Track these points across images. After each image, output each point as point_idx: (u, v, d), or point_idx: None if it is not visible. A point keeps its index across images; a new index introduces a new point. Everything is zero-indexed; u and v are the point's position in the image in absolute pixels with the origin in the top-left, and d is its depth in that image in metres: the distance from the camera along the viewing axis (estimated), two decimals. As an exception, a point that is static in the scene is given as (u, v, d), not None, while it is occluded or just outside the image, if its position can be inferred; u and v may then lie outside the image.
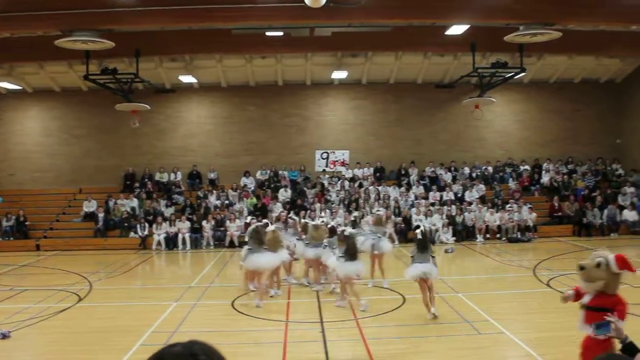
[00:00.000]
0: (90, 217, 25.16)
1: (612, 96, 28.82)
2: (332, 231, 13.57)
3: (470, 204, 25.25)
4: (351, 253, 11.87)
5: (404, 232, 23.70)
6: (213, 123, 28.71)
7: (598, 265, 6.02)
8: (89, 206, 25.59)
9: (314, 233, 14.03)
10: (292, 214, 17.09)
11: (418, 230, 11.58)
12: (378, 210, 23.38)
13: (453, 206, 25.05)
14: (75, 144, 27.97)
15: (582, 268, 6.11)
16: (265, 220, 14.51)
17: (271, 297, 13.37)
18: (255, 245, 12.76)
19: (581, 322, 6.07)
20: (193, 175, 27.86)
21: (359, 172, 28.24)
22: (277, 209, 24.99)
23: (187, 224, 23.90)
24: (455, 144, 28.64)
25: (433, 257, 11.37)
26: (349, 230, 12.28)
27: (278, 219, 15.80)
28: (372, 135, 28.68)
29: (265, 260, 12.75)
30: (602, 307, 5.94)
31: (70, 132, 28.08)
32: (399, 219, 24.11)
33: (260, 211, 24.38)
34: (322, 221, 14.90)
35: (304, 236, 14.84)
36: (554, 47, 20.63)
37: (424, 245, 11.35)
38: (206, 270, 18.15)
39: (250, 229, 13.12)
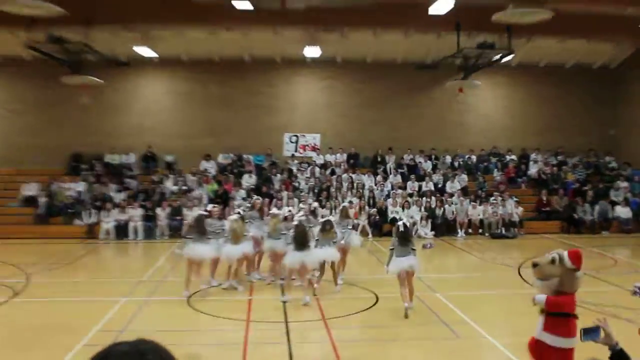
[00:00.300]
0: (30, 201, 24.73)
1: (606, 83, 29.18)
2: (287, 221, 13.96)
3: (451, 195, 25.44)
4: (299, 242, 12.49)
5: (379, 225, 23.79)
6: (172, 100, 28.43)
7: (552, 261, 6.21)
8: (29, 189, 25.14)
9: (270, 223, 14.27)
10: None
11: (400, 222, 12.13)
12: (350, 201, 23.61)
13: (433, 197, 25.20)
14: (12, 120, 27.42)
15: (535, 265, 6.32)
16: (212, 207, 14.36)
17: (224, 288, 13.75)
18: (197, 235, 13.16)
19: (540, 329, 6.25)
20: (148, 157, 27.62)
21: (331, 158, 28.27)
22: (240, 196, 24.87)
23: (140, 211, 23.70)
24: (437, 130, 28.78)
25: (414, 249, 11.93)
26: (297, 217, 13.05)
27: (253, 206, 15.70)
28: (346, 118, 28.71)
29: (204, 250, 13.15)
30: (562, 312, 6.17)
31: (6, 106, 27.51)
32: (374, 210, 24.18)
33: (222, 198, 24.23)
34: (289, 211, 14.87)
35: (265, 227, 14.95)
36: (544, 28, 20.78)
37: (406, 238, 11.83)
38: (160, 262, 18.02)
39: (193, 217, 13.43)
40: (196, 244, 13.12)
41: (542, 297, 6.22)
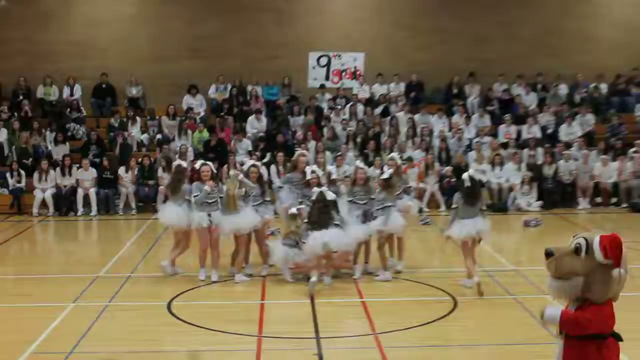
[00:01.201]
0: None
1: None
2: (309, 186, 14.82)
3: (568, 146, 25.21)
4: (314, 220, 13.74)
5: (455, 190, 23.55)
6: (135, 3, 28.30)
7: (576, 250, 5.99)
8: None
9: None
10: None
11: (466, 175, 13.66)
12: (407, 157, 23.38)
13: (539, 149, 24.96)
14: None
15: (549, 254, 6.15)
16: (202, 165, 14.61)
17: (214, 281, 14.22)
18: (174, 196, 14.60)
19: (558, 358, 6.16)
20: (101, 90, 27.62)
21: (381, 90, 28.05)
22: (243, 148, 24.73)
23: (92, 172, 23.76)
24: (545, 45, 28.43)
25: (483, 210, 13.70)
26: (316, 189, 14.09)
27: (295, 165, 15.93)
28: (404, 30, 28.44)
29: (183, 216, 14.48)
30: (589, 334, 5.97)
31: None
32: (448, 170, 24.00)
33: (215, 152, 24.16)
34: (312, 172, 15.08)
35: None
36: None
37: (474, 194, 13.46)
38: (124, 249, 18.10)
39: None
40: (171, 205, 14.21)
41: (554, 312, 6.06)
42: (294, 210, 14.29)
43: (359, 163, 15.58)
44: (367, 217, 14.38)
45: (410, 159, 23.23)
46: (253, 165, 15.04)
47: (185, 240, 14.88)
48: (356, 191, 14.65)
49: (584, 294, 5.99)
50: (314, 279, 13.42)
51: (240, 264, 14.65)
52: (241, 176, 14.52)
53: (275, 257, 14.20)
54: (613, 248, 5.89)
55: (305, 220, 14.00)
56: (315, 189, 14.07)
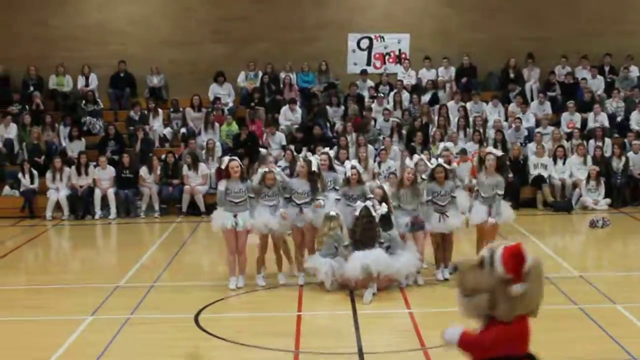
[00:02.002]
0: None
1: None
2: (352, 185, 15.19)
3: None
4: (357, 238, 13.84)
5: (514, 187, 23.54)
6: (156, -17, 28.54)
7: (481, 263, 5.88)
8: None
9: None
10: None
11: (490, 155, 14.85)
12: (462, 151, 23.32)
13: (607, 140, 24.85)
14: None
15: (455, 269, 6.04)
16: (230, 161, 14.75)
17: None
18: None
19: None
20: (120, 80, 27.83)
21: (429, 75, 28.06)
22: (277, 142, 24.81)
23: (111, 171, 23.93)
24: (614, 21, 28.30)
25: (501, 195, 14.70)
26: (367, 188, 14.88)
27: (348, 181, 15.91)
28: (453, 7, 28.56)
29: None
30: (494, 355, 5.88)
31: None
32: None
33: (246, 147, 24.23)
34: (353, 167, 15.15)
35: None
36: None
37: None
38: (147, 255, 18.23)
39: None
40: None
41: (453, 333, 5.94)
42: (332, 212, 14.32)
43: (409, 162, 15.63)
44: (415, 224, 14.44)
45: (463, 152, 23.16)
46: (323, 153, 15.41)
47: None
48: (402, 194, 14.70)
49: (491, 312, 5.89)
50: (366, 293, 13.52)
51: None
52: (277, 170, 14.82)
53: (321, 274, 14.21)
54: (513, 261, 5.78)
55: (347, 240, 14.11)
56: (359, 202, 14.07)
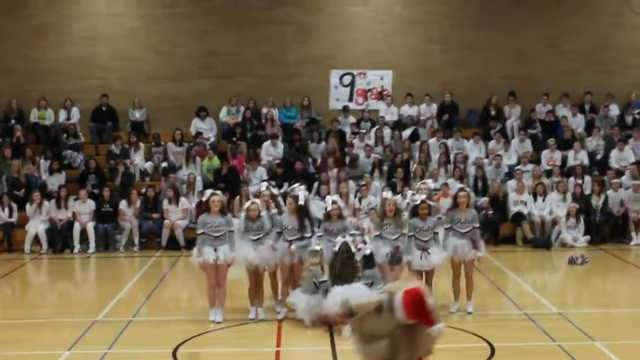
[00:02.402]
0: None
1: None
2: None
3: (620, 174, 25.13)
4: (336, 273, 13.85)
5: (493, 225, 23.57)
6: (140, 17, 28.46)
7: (379, 308, 5.77)
8: None
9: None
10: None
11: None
12: (441, 186, 23.35)
13: (587, 178, 24.92)
14: None
15: (349, 313, 5.93)
16: (212, 194, 14.84)
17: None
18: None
19: None
20: (101, 113, 27.77)
21: (410, 112, 28.10)
22: (258, 177, 24.77)
23: (91, 204, 23.85)
24: (594, 60, 28.42)
25: (478, 228, 14.89)
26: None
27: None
28: (436, 44, 28.54)
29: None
30: None
31: None
32: (484, 201, 23.99)
33: (227, 182, 24.21)
34: (334, 202, 15.15)
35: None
36: None
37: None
38: (125, 290, 18.18)
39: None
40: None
41: None
42: (316, 247, 14.31)
43: (386, 193, 15.59)
44: (395, 256, 14.44)
45: (446, 186, 23.13)
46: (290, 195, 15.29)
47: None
48: (385, 224, 14.73)
49: (392, 357, 5.77)
50: (347, 332, 13.34)
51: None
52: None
53: (299, 310, 14.18)
54: (414, 306, 5.66)
55: (324, 276, 14.10)
56: (339, 238, 14.11)
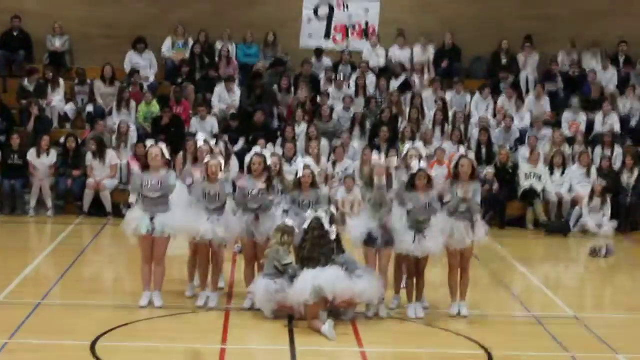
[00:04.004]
0: None
1: None
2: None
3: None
4: (305, 255, 13.87)
5: (500, 202, 23.61)
6: None
7: None
8: None
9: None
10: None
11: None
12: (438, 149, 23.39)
13: (618, 149, 25.04)
14: None
15: None
16: (150, 146, 14.88)
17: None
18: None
19: None
20: (12, 40, 27.70)
21: (401, 56, 28.15)
22: (207, 130, 24.70)
23: (-5, 156, 23.80)
24: (632, 0, 28.50)
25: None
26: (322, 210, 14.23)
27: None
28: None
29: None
30: None
31: None
32: (488, 171, 24.02)
33: (168, 134, 24.15)
34: (306, 166, 15.12)
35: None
36: None
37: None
38: (35, 265, 18.10)
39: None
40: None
41: None
42: (288, 222, 14.25)
43: (376, 156, 15.45)
44: (371, 237, 14.42)
45: (441, 151, 23.17)
46: (257, 155, 15.08)
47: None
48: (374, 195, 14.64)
49: None
50: (325, 327, 13.32)
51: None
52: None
53: (257, 297, 14.18)
54: None
55: (289, 260, 14.07)
56: (310, 212, 14.12)
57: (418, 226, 14.39)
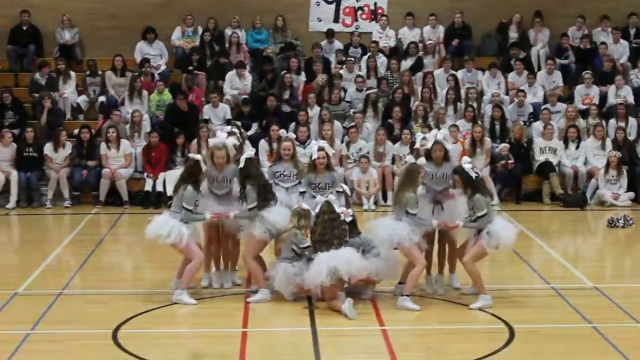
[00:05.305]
0: None
1: None
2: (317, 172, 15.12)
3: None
4: (318, 238, 13.89)
5: (514, 177, 23.60)
6: None
7: None
8: None
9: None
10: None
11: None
12: (450, 126, 23.38)
13: (632, 120, 25.00)
14: None
15: None
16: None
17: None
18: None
19: None
20: (22, 34, 27.66)
21: (410, 36, 28.13)
22: (220, 116, 24.71)
23: (11, 149, 23.79)
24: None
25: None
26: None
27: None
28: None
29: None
30: None
31: None
32: (503, 147, 24.02)
33: (180, 120, 24.12)
34: (321, 148, 15.08)
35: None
36: None
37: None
38: (54, 256, 18.08)
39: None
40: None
41: None
42: (304, 206, 14.22)
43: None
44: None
45: (455, 128, 23.15)
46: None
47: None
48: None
49: None
50: (345, 305, 13.39)
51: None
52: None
53: (276, 280, 14.18)
54: None
55: (308, 243, 14.02)
56: (320, 197, 14.12)
57: (437, 196, 14.37)
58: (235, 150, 14.85)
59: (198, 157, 14.38)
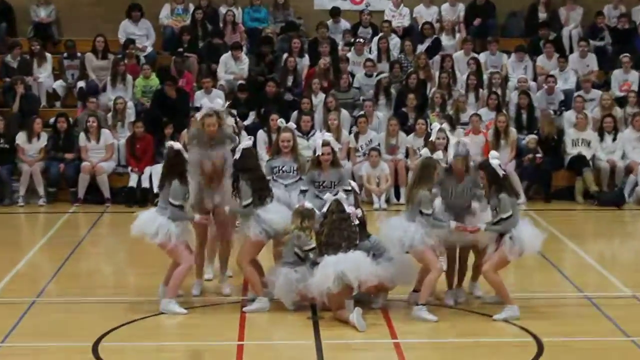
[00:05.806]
0: None
1: None
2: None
3: None
4: (325, 240, 13.83)
5: (543, 173, 23.59)
6: None
7: None
8: None
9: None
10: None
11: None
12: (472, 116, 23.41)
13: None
14: None
15: None
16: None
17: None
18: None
19: None
20: (-5, 12, 27.73)
21: (427, 15, 28.18)
22: (213, 101, 24.66)
23: (-23, 139, 23.84)
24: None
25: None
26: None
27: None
28: None
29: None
30: None
31: None
32: (530, 138, 23.96)
33: (169, 108, 24.16)
34: (326, 142, 15.09)
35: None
36: None
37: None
38: (27, 259, 18.17)
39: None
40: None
41: None
42: (307, 205, 14.23)
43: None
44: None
45: (477, 117, 23.15)
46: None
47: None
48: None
49: None
50: (354, 315, 13.36)
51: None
52: None
53: (276, 287, 14.18)
54: None
55: (312, 245, 14.06)
56: (328, 195, 14.14)
57: (457, 212, 14.36)
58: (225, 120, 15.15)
59: (178, 145, 14.35)
